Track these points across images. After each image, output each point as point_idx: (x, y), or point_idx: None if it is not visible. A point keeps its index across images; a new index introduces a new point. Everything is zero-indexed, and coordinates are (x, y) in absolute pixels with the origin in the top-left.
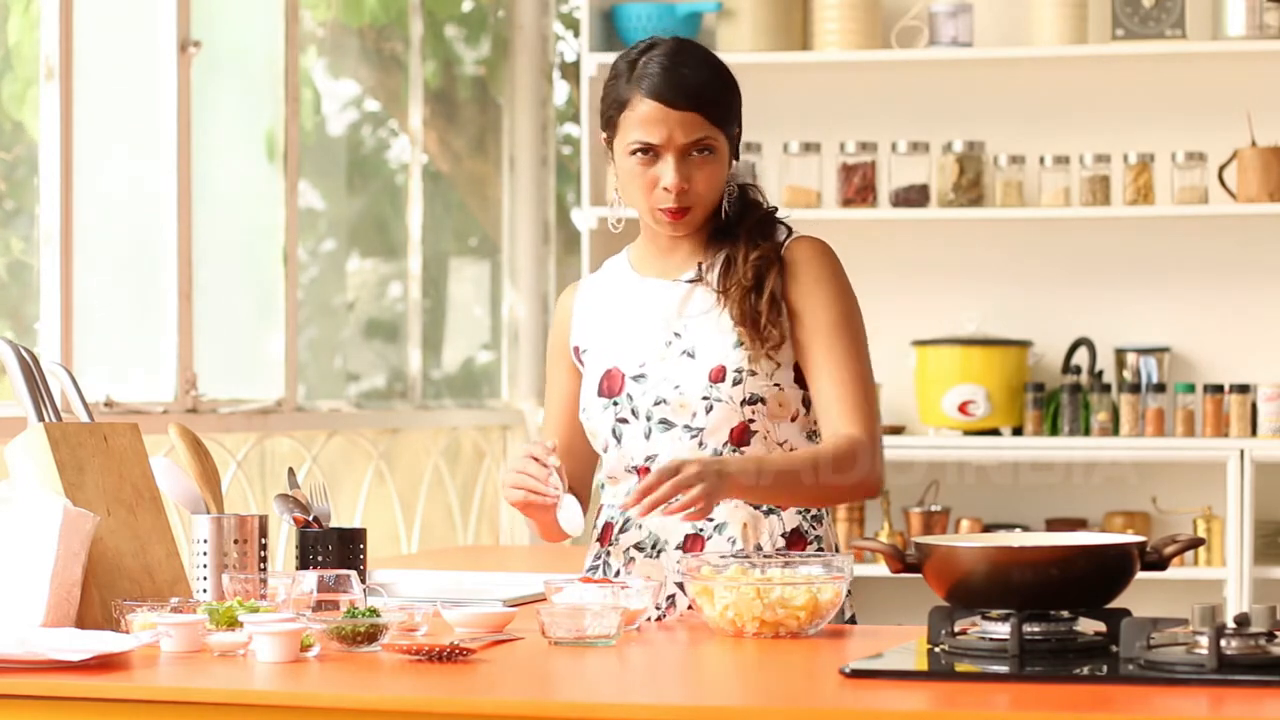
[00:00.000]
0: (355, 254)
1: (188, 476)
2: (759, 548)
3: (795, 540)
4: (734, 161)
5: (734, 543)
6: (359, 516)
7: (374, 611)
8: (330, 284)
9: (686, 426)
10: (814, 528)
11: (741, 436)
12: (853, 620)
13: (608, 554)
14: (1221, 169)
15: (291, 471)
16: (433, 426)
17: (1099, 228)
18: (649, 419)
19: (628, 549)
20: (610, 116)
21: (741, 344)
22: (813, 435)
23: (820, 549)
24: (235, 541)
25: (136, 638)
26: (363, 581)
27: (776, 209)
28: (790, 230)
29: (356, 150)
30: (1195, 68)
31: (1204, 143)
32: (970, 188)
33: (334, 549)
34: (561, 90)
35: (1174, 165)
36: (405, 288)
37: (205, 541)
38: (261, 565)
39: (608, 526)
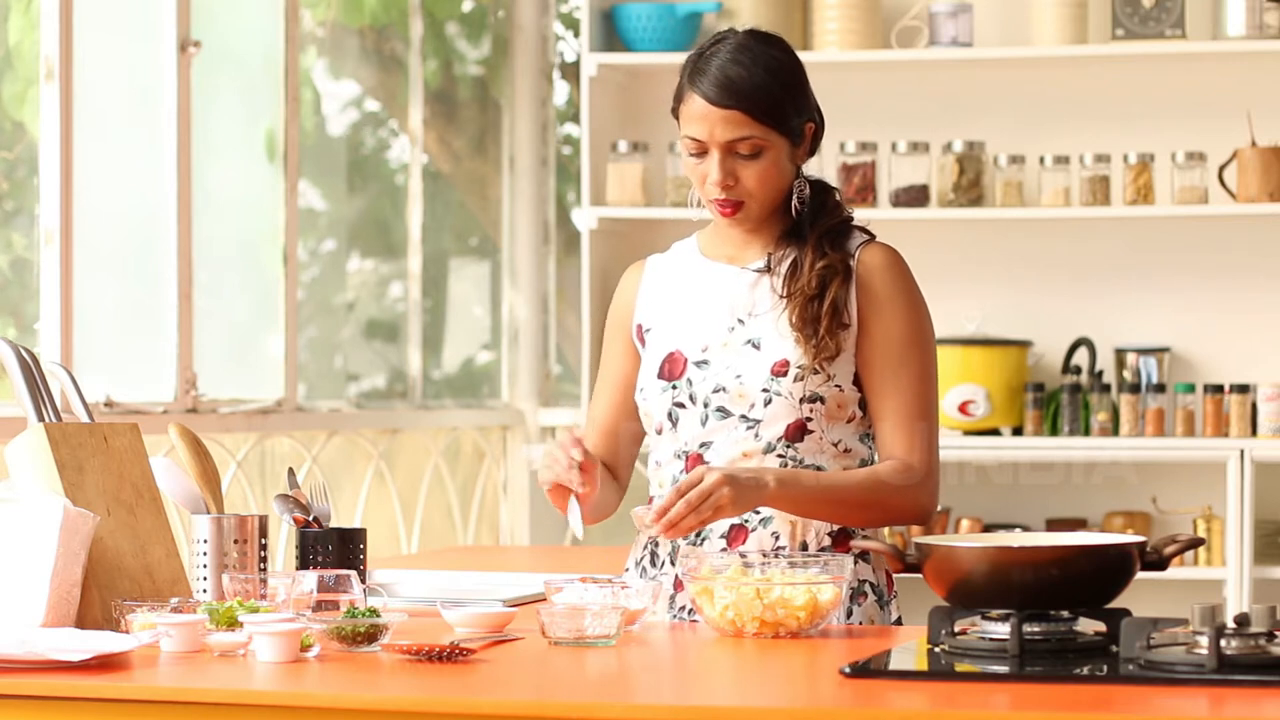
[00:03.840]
0: (355, 254)
1: (188, 476)
2: (804, 546)
3: (841, 541)
4: (807, 156)
5: (777, 538)
6: (359, 516)
7: (374, 611)
8: (330, 284)
9: (744, 417)
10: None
11: (797, 433)
12: (899, 622)
13: (655, 544)
14: (1221, 169)
15: (291, 471)
16: (433, 426)
17: (1099, 228)
18: (706, 405)
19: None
20: (674, 109)
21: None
22: (865, 438)
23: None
24: (235, 541)
25: (136, 638)
26: (363, 581)
27: (852, 216)
28: (867, 236)
29: (356, 150)
30: (1195, 68)
31: (1204, 143)
32: (970, 188)
33: (334, 549)
34: (561, 90)
35: (1174, 165)
36: (405, 288)
37: (205, 541)
38: (261, 565)
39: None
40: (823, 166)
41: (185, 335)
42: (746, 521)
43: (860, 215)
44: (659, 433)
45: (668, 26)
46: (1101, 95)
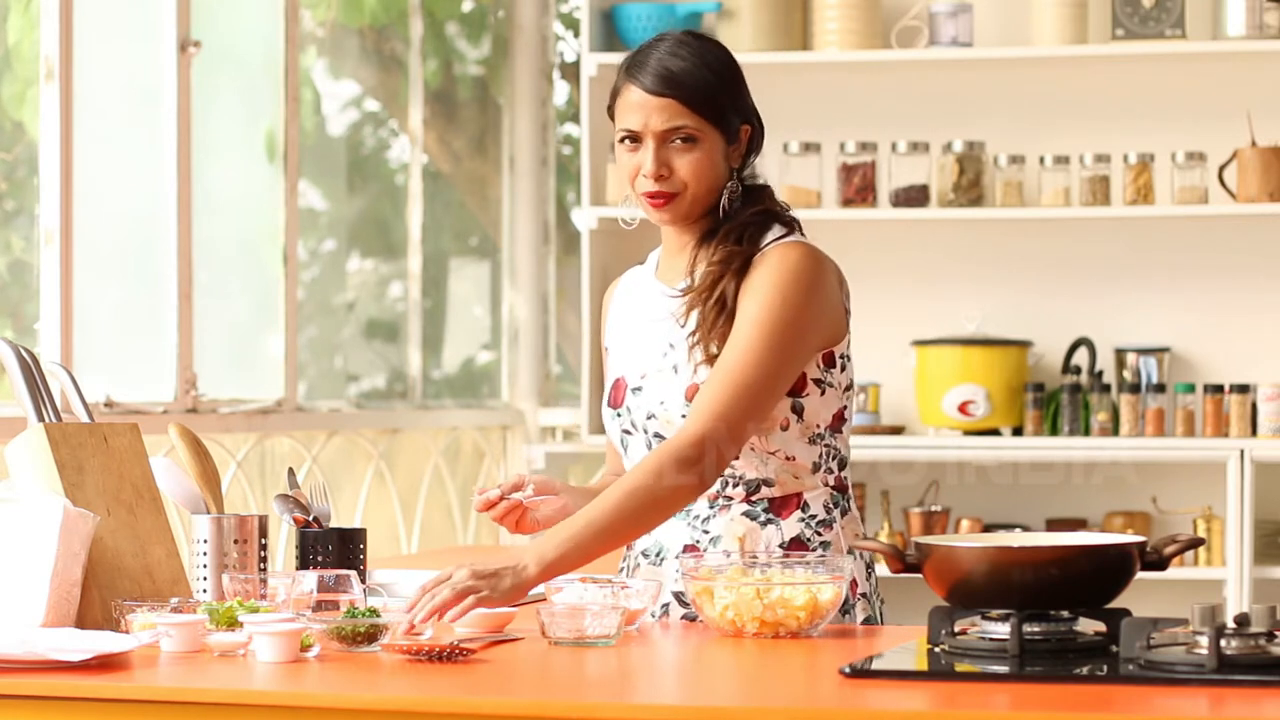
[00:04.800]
0: (355, 254)
1: (188, 476)
2: (754, 558)
3: (796, 548)
4: (745, 159)
5: (729, 555)
6: (359, 516)
7: (374, 611)
8: (330, 284)
9: None
10: (820, 533)
11: None
12: (868, 622)
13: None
14: (1221, 169)
15: (291, 471)
16: (433, 426)
17: (1099, 228)
18: (646, 432)
19: (636, 555)
20: (610, 108)
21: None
22: (815, 439)
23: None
24: (235, 541)
25: (136, 638)
26: (363, 581)
27: (778, 211)
28: (787, 232)
29: (356, 150)
30: (1195, 68)
31: (1204, 143)
32: (970, 188)
33: (334, 549)
34: (561, 90)
35: (1174, 165)
36: (405, 288)
37: (205, 541)
38: (261, 565)
39: None
40: (823, 166)
41: (185, 335)
42: (698, 543)
43: (860, 215)
44: (625, 457)
45: (667, 26)
46: (1101, 95)
